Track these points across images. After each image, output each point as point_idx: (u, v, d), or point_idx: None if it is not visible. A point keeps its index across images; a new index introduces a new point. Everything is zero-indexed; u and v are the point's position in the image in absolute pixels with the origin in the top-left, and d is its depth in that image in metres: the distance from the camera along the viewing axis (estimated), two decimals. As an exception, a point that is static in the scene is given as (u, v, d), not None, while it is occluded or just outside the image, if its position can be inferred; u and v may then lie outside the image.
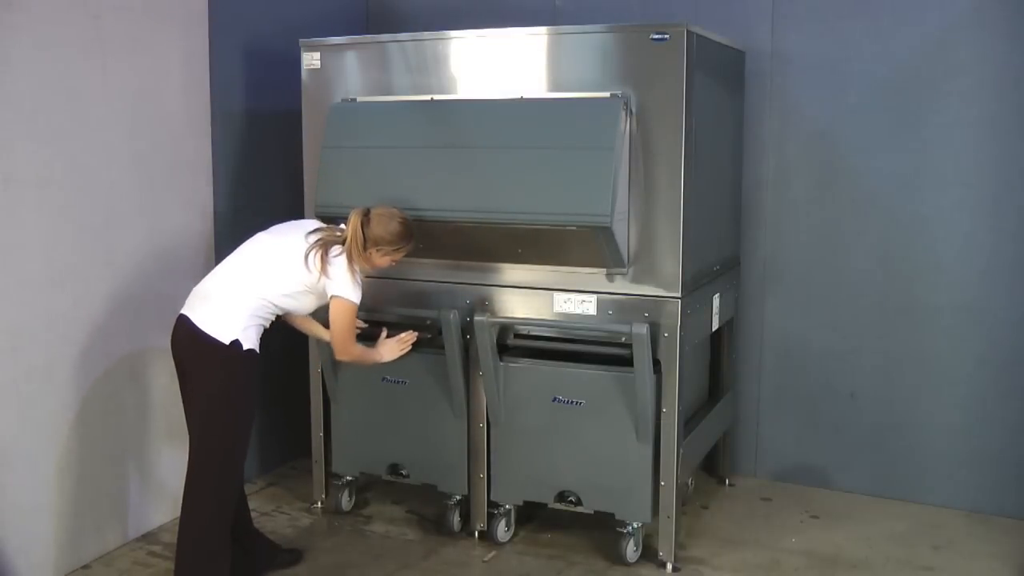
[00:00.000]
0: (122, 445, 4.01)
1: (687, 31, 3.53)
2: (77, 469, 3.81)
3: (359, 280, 3.50)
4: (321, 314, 3.66)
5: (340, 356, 3.63)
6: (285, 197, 4.62)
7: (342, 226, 3.56)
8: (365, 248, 3.48)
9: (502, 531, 4.07)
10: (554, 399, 3.86)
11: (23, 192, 3.51)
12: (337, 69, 4.14)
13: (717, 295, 4.22)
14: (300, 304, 3.51)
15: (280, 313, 3.51)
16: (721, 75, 4.18)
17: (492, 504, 4.07)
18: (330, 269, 3.43)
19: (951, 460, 4.45)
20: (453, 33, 3.94)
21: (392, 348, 3.84)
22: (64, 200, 3.68)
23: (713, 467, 4.79)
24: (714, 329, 4.27)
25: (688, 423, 4.02)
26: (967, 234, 4.32)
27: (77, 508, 3.81)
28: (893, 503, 4.51)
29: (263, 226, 4.70)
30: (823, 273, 4.60)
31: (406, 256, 3.66)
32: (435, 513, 4.30)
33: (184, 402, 3.45)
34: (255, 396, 3.44)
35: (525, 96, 3.78)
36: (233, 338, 3.28)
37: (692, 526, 4.25)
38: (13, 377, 3.53)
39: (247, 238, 4.62)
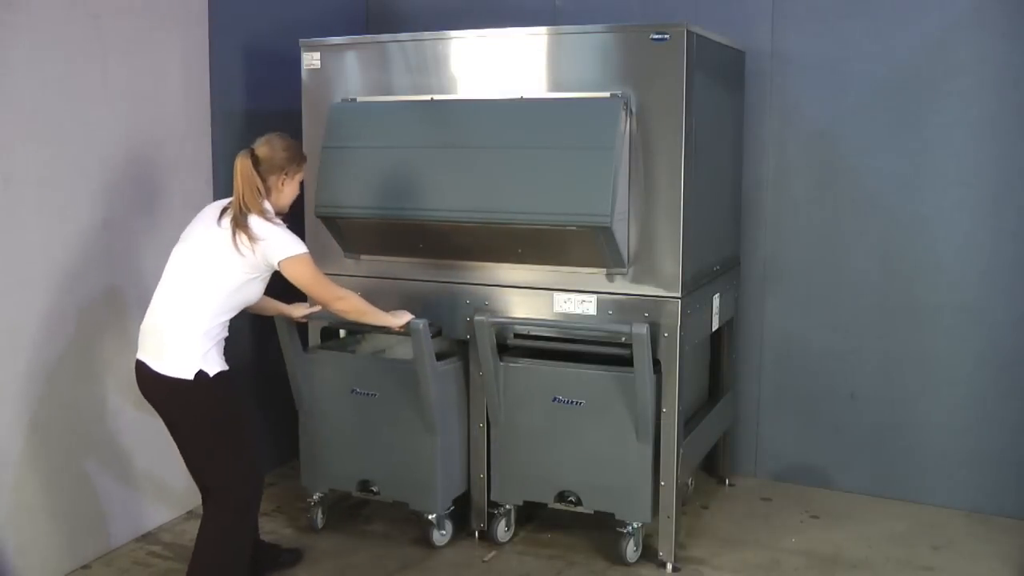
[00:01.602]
0: (122, 445, 4.01)
1: (687, 31, 3.53)
2: (77, 469, 3.81)
3: (291, 233, 3.29)
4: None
5: (336, 306, 3.46)
6: (285, 197, 4.62)
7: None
8: (265, 183, 3.28)
9: (502, 531, 4.07)
10: (554, 399, 3.86)
11: (23, 192, 3.51)
12: (337, 69, 4.14)
13: (717, 295, 4.22)
14: (250, 293, 3.28)
15: (234, 315, 3.30)
16: (721, 75, 4.18)
17: (492, 504, 4.07)
18: (259, 237, 3.18)
19: (951, 460, 4.45)
20: (453, 33, 3.94)
21: (401, 315, 3.70)
22: (64, 200, 3.68)
23: (713, 467, 4.79)
24: (714, 329, 4.27)
25: (688, 423, 4.02)
26: (967, 234, 4.32)
27: (77, 508, 3.81)
28: (893, 503, 4.51)
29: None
30: (823, 273, 4.60)
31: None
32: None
33: (177, 443, 3.32)
34: (245, 407, 3.34)
35: (525, 96, 3.78)
36: (196, 370, 3.12)
37: (692, 526, 4.25)
38: (13, 376, 3.53)
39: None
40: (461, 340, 4.03)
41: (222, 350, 3.24)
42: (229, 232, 3.18)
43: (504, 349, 3.96)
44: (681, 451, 3.81)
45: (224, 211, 3.26)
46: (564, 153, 3.62)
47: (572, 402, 3.83)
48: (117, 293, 3.93)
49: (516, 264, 3.90)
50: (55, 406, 3.69)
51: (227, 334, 3.28)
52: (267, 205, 3.28)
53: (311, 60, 4.17)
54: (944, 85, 4.28)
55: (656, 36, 3.56)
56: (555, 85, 3.77)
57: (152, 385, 3.19)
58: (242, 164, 3.27)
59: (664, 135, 3.61)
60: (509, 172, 3.71)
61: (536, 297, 3.89)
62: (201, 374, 3.12)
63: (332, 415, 4.06)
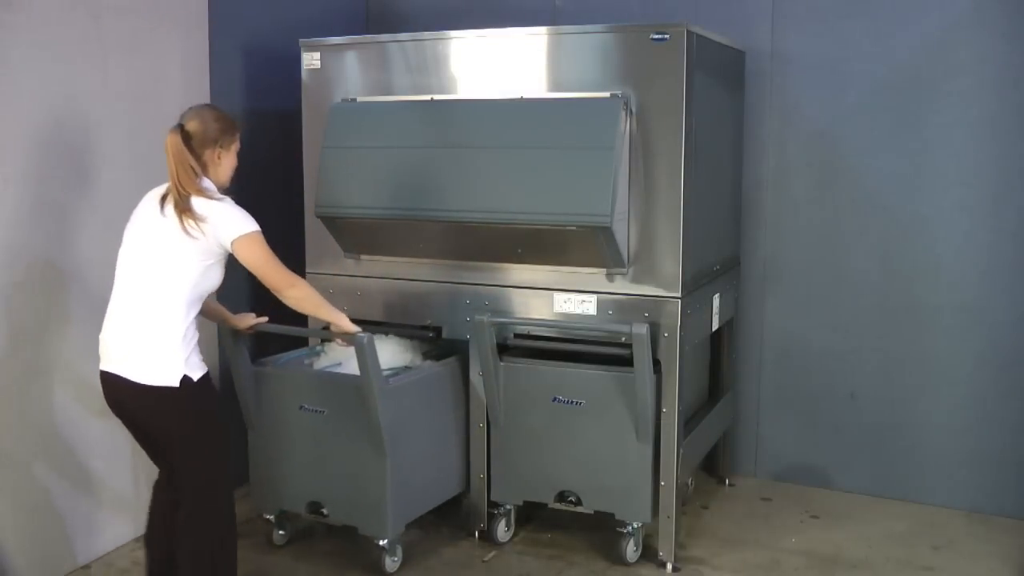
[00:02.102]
0: (123, 445, 4.00)
1: (687, 31, 3.53)
2: (77, 469, 3.81)
3: (239, 208, 3.10)
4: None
5: (288, 293, 3.20)
6: (285, 197, 4.61)
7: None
8: (201, 158, 3.06)
9: (502, 531, 4.07)
10: (554, 399, 3.86)
11: (23, 192, 3.51)
12: (337, 69, 4.14)
13: (717, 295, 4.22)
14: (212, 280, 3.08)
15: (199, 308, 3.10)
16: (721, 75, 4.18)
17: (492, 504, 4.06)
18: (206, 217, 2.98)
19: (951, 460, 4.45)
20: (453, 33, 3.94)
21: (352, 325, 3.48)
22: (65, 200, 3.68)
23: (713, 467, 4.79)
24: (714, 329, 4.27)
25: (688, 423, 4.02)
26: (967, 234, 4.32)
27: (77, 508, 3.81)
28: (893, 503, 4.51)
29: (263, 226, 4.71)
30: (823, 273, 4.60)
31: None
32: (434, 514, 4.30)
33: (150, 452, 3.19)
34: (222, 415, 3.20)
35: (525, 96, 3.78)
36: (180, 376, 2.97)
37: (692, 526, 4.25)
38: (14, 377, 3.53)
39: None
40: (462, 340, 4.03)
41: (199, 351, 3.09)
42: (175, 219, 2.96)
43: (504, 349, 3.96)
44: (681, 451, 3.81)
45: (164, 198, 3.02)
46: (564, 153, 3.62)
47: (572, 402, 3.83)
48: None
49: (516, 264, 3.90)
50: (55, 406, 3.69)
51: (199, 335, 3.11)
52: (207, 183, 3.07)
53: (311, 60, 4.17)
54: (944, 85, 4.28)
55: (656, 36, 3.56)
56: (555, 85, 3.77)
57: (133, 397, 2.99)
58: (172, 142, 3.03)
59: (664, 135, 3.61)
60: (509, 172, 3.71)
61: (536, 297, 3.89)
62: (186, 380, 2.98)
63: (280, 432, 3.83)
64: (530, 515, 4.26)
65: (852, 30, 4.41)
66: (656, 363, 3.69)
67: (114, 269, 3.90)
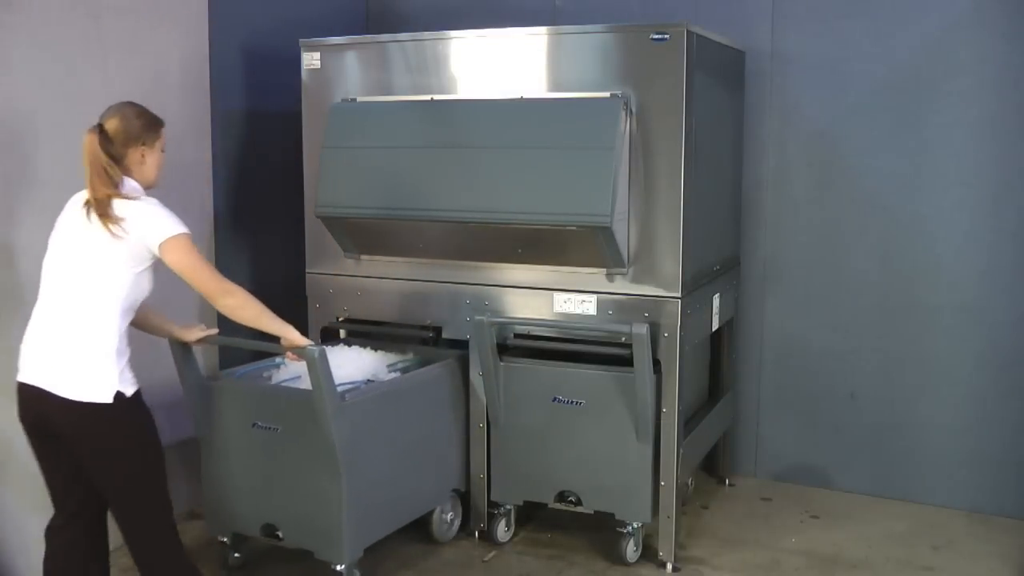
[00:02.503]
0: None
1: (687, 31, 3.53)
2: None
3: (166, 209, 2.90)
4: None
5: (223, 302, 2.97)
6: (285, 197, 4.62)
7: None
8: (124, 159, 2.89)
9: (502, 531, 4.07)
10: (554, 399, 3.86)
11: (23, 192, 3.51)
12: (337, 69, 4.14)
13: (717, 295, 4.22)
14: (143, 287, 2.90)
15: (131, 319, 2.92)
16: (721, 75, 4.18)
17: (492, 504, 4.07)
18: (129, 220, 2.80)
19: (951, 460, 4.45)
20: (453, 33, 3.94)
21: (301, 338, 3.26)
22: (64, 200, 3.67)
23: (713, 467, 4.79)
24: (714, 329, 4.27)
25: (688, 423, 4.02)
26: (967, 234, 4.32)
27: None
28: (893, 503, 4.51)
29: (263, 226, 4.74)
30: (823, 273, 4.60)
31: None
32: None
33: (60, 482, 2.94)
34: (158, 434, 2.97)
35: (525, 96, 3.78)
36: (114, 392, 2.77)
37: (692, 526, 4.25)
38: (13, 377, 3.53)
39: (247, 238, 4.66)
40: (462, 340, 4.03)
41: (131, 366, 2.89)
42: (100, 224, 2.79)
43: (504, 349, 3.96)
44: (681, 451, 3.81)
45: (87, 202, 2.85)
46: (564, 153, 3.62)
47: (572, 402, 3.83)
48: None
49: (516, 264, 3.90)
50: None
51: (131, 347, 2.92)
52: (130, 184, 2.90)
53: (311, 60, 4.17)
54: (944, 85, 4.28)
55: (656, 36, 3.56)
56: (555, 85, 3.77)
57: (61, 413, 2.78)
58: (88, 143, 2.85)
59: (664, 135, 3.61)
60: (509, 172, 3.71)
61: (536, 297, 3.89)
62: (119, 396, 2.78)
63: (233, 451, 3.62)
64: (530, 515, 4.26)
65: (852, 30, 4.41)
66: (656, 363, 3.69)
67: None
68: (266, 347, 3.53)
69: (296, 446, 3.48)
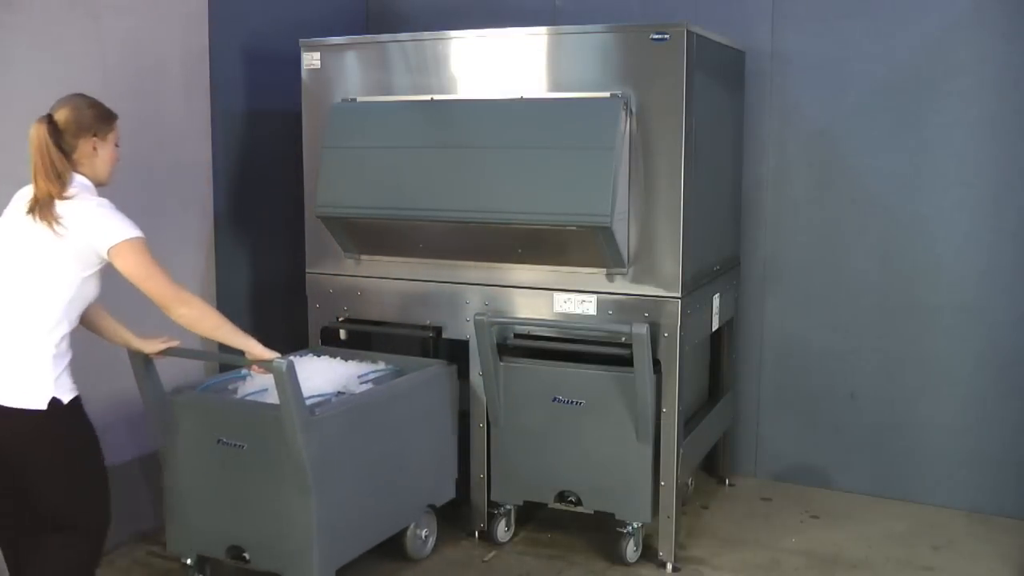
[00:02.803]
0: (124, 445, 4.00)
1: (687, 31, 3.53)
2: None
3: (118, 212, 2.75)
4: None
5: (177, 311, 2.82)
6: (285, 197, 4.62)
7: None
8: (74, 152, 2.75)
9: (502, 531, 4.07)
10: (554, 399, 3.86)
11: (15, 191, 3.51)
12: (337, 69, 4.14)
13: (717, 295, 4.22)
14: (85, 294, 2.77)
15: (75, 325, 2.79)
16: (721, 75, 4.18)
17: (492, 504, 4.06)
18: (80, 222, 2.66)
19: (951, 460, 4.45)
20: (453, 33, 3.94)
21: (265, 351, 3.09)
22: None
23: (713, 467, 4.79)
24: (714, 329, 4.27)
25: (688, 423, 4.02)
26: (967, 234, 4.32)
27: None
28: (893, 503, 4.51)
29: (263, 226, 4.73)
30: (823, 273, 4.60)
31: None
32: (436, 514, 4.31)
33: (23, 484, 2.72)
34: (99, 447, 2.84)
35: (525, 96, 3.78)
36: (49, 398, 2.63)
37: (692, 526, 4.25)
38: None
39: (247, 238, 4.66)
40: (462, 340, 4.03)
41: (70, 372, 2.76)
42: (46, 220, 2.65)
43: (504, 349, 3.96)
44: (681, 451, 3.81)
45: (33, 200, 2.71)
46: (564, 153, 3.62)
47: (572, 402, 3.83)
48: (117, 293, 3.91)
49: (516, 264, 3.90)
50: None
51: (72, 353, 2.79)
52: (81, 181, 2.77)
53: (311, 60, 4.17)
54: (944, 85, 4.28)
55: (656, 36, 3.56)
56: (555, 85, 3.77)
57: None
58: (36, 135, 2.70)
59: (664, 135, 3.61)
60: (509, 172, 3.71)
61: (536, 297, 3.88)
62: (55, 403, 2.64)
63: (197, 469, 3.46)
64: (530, 515, 4.26)
65: (852, 30, 4.41)
66: (656, 363, 3.69)
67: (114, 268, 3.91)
68: (230, 360, 3.38)
69: (263, 464, 3.31)
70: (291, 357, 3.62)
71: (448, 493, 4.06)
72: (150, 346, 3.24)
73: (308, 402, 3.28)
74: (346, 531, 3.45)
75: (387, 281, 4.14)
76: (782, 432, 4.78)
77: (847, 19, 4.42)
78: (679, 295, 3.68)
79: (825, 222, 4.58)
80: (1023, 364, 4.28)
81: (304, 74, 4.20)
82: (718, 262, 4.25)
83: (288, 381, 3.07)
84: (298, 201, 4.30)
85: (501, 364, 3.91)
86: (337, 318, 4.25)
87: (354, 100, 4.09)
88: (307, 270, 4.29)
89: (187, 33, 4.19)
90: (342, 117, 4.04)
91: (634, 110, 3.63)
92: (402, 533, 3.81)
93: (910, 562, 3.94)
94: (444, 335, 4.06)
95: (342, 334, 4.29)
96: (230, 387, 3.66)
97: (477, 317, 3.84)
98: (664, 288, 3.69)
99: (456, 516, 4.18)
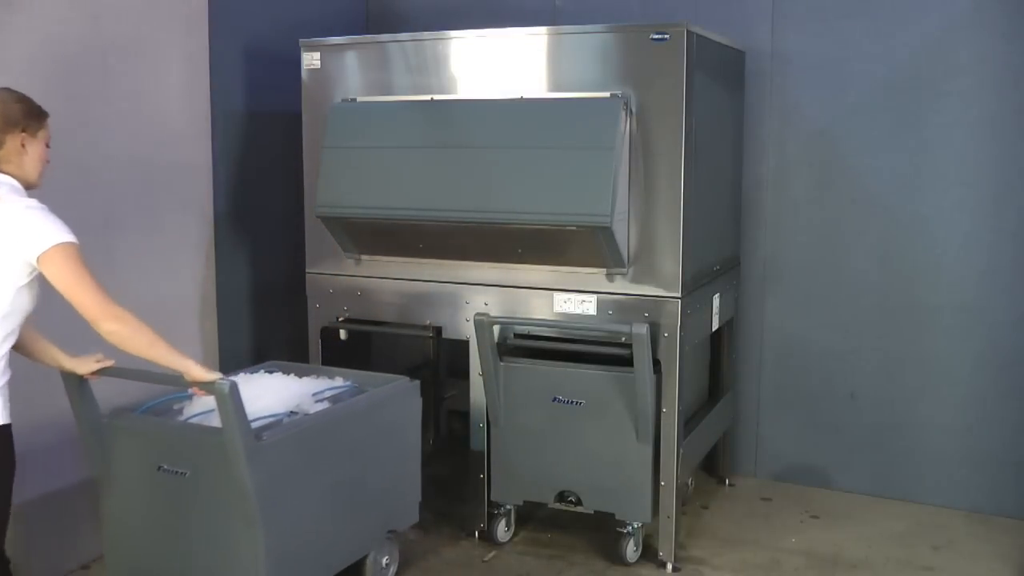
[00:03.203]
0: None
1: (687, 31, 3.54)
2: (78, 468, 3.79)
3: (51, 215, 2.59)
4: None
5: (106, 327, 2.60)
6: (285, 197, 4.62)
7: None
8: (2, 146, 2.61)
9: (502, 531, 4.07)
10: (554, 399, 3.86)
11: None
12: (337, 69, 4.14)
13: (717, 295, 4.22)
14: (20, 307, 2.60)
15: (14, 341, 2.63)
16: (721, 75, 4.18)
17: (492, 504, 4.06)
18: (9, 225, 2.51)
19: (951, 460, 4.45)
20: (453, 33, 3.94)
21: (209, 372, 2.87)
22: (64, 200, 3.67)
23: (713, 467, 4.79)
24: (714, 329, 4.27)
25: (688, 423, 4.02)
26: (967, 234, 4.32)
27: (77, 508, 3.81)
28: (893, 503, 4.51)
29: (263, 226, 4.74)
30: (823, 273, 4.60)
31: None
32: (434, 514, 4.31)
33: None
34: (12, 481, 2.70)
35: (525, 96, 3.78)
36: None
37: (692, 526, 4.25)
38: (14, 377, 3.52)
39: (247, 238, 4.66)
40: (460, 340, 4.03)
41: (7, 396, 2.61)
42: None
43: (504, 349, 3.96)
44: (681, 451, 3.81)
45: None
46: (564, 153, 3.62)
47: (572, 402, 3.83)
48: (117, 293, 3.91)
49: (516, 264, 3.90)
50: (55, 407, 3.68)
51: (9, 375, 2.63)
52: (7, 180, 2.64)
53: (311, 60, 4.17)
54: (944, 85, 4.28)
55: (656, 36, 3.57)
56: (555, 85, 3.77)
57: None
58: None
59: (664, 135, 3.61)
60: (509, 172, 3.71)
61: (536, 297, 3.89)
62: None
63: (137, 497, 3.21)
64: (530, 515, 4.26)
65: (852, 30, 4.41)
66: (656, 363, 3.69)
67: (114, 268, 3.91)
68: (169, 381, 3.02)
69: (207, 492, 3.06)
70: (242, 374, 3.58)
71: (411, 517, 3.78)
72: (83, 366, 2.98)
73: (256, 424, 3.06)
74: (298, 563, 3.19)
75: (387, 281, 4.14)
76: (782, 432, 4.78)
77: (847, 19, 4.42)
78: (679, 295, 3.68)
79: (825, 222, 4.58)
80: (1023, 364, 4.28)
81: (304, 74, 4.20)
82: (718, 262, 4.25)
83: (231, 404, 2.83)
84: (298, 201, 4.31)
85: (501, 364, 3.91)
86: (337, 318, 4.25)
87: (354, 100, 4.09)
88: (307, 270, 4.29)
89: (187, 33, 4.19)
90: (342, 117, 4.04)
91: (634, 110, 3.63)
92: (361, 562, 3.55)
93: (910, 562, 3.94)
94: (444, 335, 4.07)
95: (342, 334, 4.30)
96: (175, 407, 3.36)
97: (477, 317, 3.84)
98: (664, 288, 3.69)
99: (456, 516, 4.18)
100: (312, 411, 3.36)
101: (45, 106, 3.44)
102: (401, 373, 5.02)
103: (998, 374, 4.32)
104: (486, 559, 3.96)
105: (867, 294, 4.53)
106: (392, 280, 4.13)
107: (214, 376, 2.84)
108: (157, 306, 4.04)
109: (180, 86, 4.17)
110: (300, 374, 3.71)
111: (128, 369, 3.02)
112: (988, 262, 4.29)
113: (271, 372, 3.74)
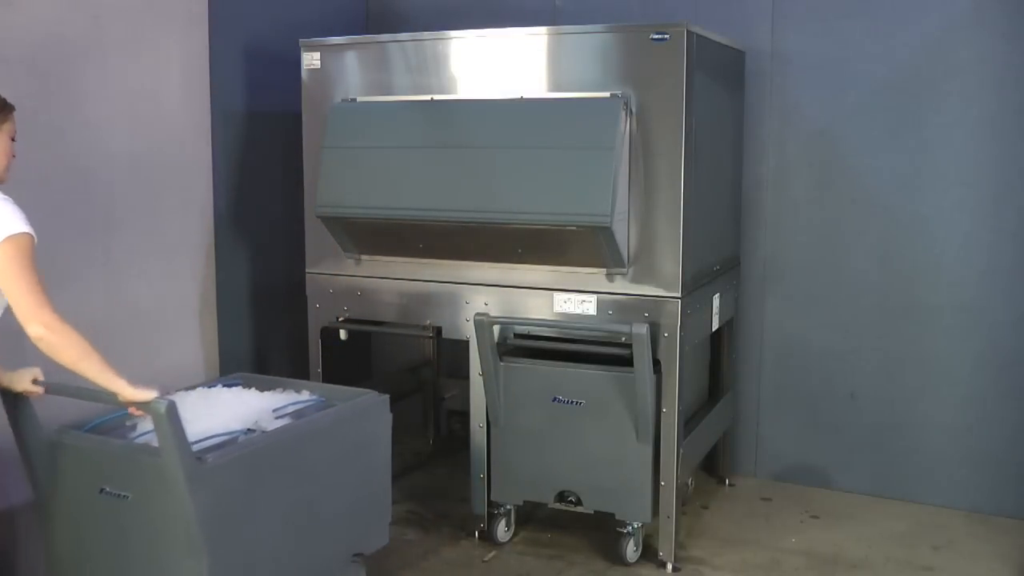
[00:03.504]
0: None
1: (687, 31, 3.54)
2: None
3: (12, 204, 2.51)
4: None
5: (35, 330, 2.48)
6: (285, 197, 4.62)
7: None
8: None
9: (502, 531, 4.07)
10: (554, 399, 3.86)
11: (23, 192, 3.51)
12: (337, 69, 4.14)
13: (717, 295, 4.22)
14: None
15: None
16: (721, 75, 4.18)
17: (492, 504, 4.06)
18: None
19: (951, 460, 4.45)
20: (453, 33, 3.94)
21: (143, 392, 2.65)
22: (64, 200, 3.68)
23: (713, 467, 4.79)
24: (714, 329, 4.27)
25: (688, 423, 4.02)
26: (967, 234, 4.32)
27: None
28: (893, 503, 4.51)
29: (263, 226, 4.74)
30: (823, 273, 4.60)
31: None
32: (434, 514, 4.31)
33: None
34: None
35: (525, 96, 3.78)
36: None
37: (692, 526, 4.25)
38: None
39: (247, 238, 4.66)
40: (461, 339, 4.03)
41: None
42: None
43: (504, 349, 3.96)
44: (681, 451, 3.81)
45: None
46: (564, 153, 3.62)
47: (572, 402, 3.83)
48: (117, 293, 3.92)
49: (516, 264, 3.90)
50: (54, 408, 3.67)
51: None
52: None
53: (311, 60, 4.17)
54: (944, 85, 4.28)
55: (656, 36, 3.57)
56: (555, 85, 3.77)
57: None
58: None
59: (664, 135, 3.61)
60: (509, 172, 3.71)
61: (536, 297, 3.89)
62: None
63: (79, 521, 2.99)
64: (530, 515, 4.26)
65: (852, 30, 4.41)
66: (656, 363, 3.69)
67: (114, 268, 3.91)
68: (105, 399, 2.76)
69: (149, 518, 2.82)
70: (200, 388, 3.37)
71: (380, 539, 3.52)
72: (20, 381, 2.80)
73: (209, 443, 2.88)
74: None
75: (387, 281, 4.14)
76: (782, 432, 4.78)
77: (847, 19, 4.42)
78: (679, 295, 3.68)
79: (825, 222, 4.58)
80: (1023, 364, 4.28)
81: (304, 74, 4.20)
82: (718, 262, 4.25)
83: (167, 424, 2.61)
84: (298, 201, 4.30)
85: (501, 364, 3.91)
86: (337, 318, 4.25)
87: (354, 100, 4.09)
88: (307, 270, 4.29)
89: (187, 33, 4.19)
90: (342, 117, 4.04)
91: (634, 110, 3.63)
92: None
93: (910, 562, 3.94)
94: (444, 335, 4.07)
95: (342, 334, 4.30)
96: (127, 423, 3.08)
97: (477, 317, 3.84)
98: (664, 288, 3.69)
99: (456, 516, 4.18)
100: (271, 428, 3.13)
101: (46, 106, 3.43)
102: (401, 373, 5.05)
103: (998, 374, 4.32)
104: (486, 559, 3.96)
105: (867, 294, 4.53)
106: (392, 280, 4.13)
107: (149, 395, 2.63)
108: (157, 306, 4.05)
109: (180, 86, 4.17)
110: (265, 388, 3.48)
111: (63, 385, 2.82)
112: (988, 262, 4.29)
113: (232, 386, 3.50)
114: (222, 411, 3.14)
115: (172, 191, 4.18)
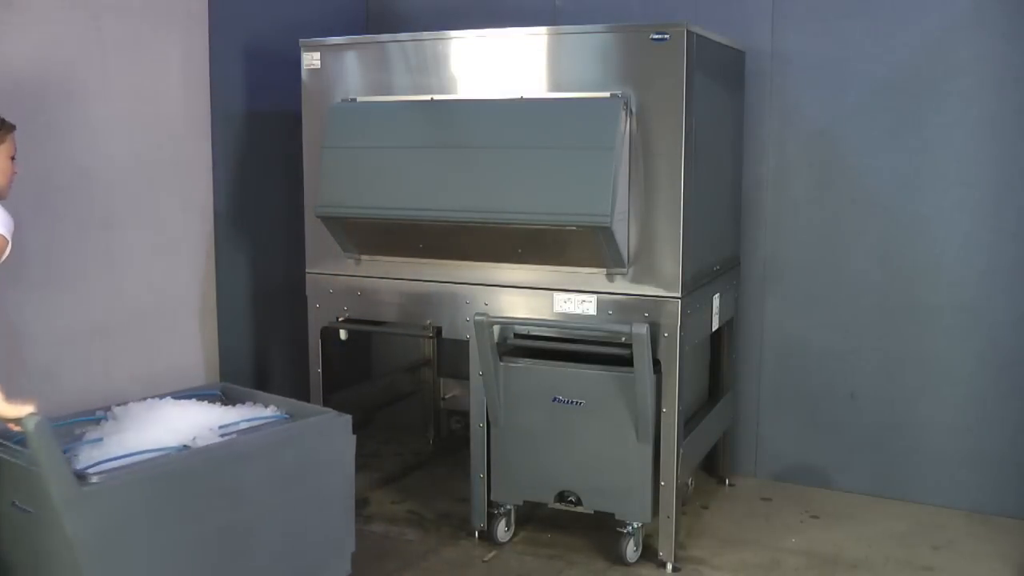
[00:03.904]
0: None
1: (687, 31, 3.54)
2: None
3: None
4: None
5: None
6: (285, 197, 4.62)
7: None
8: None
9: (502, 531, 4.07)
10: (554, 399, 3.86)
11: (23, 192, 3.51)
12: (337, 69, 4.14)
13: (717, 295, 4.22)
14: None
15: None
16: (721, 75, 4.18)
17: (492, 504, 4.06)
18: None
19: (951, 460, 4.45)
20: (453, 33, 3.94)
21: (16, 407, 2.52)
22: (64, 200, 3.68)
23: (713, 467, 4.79)
24: (714, 329, 4.27)
25: (688, 423, 4.02)
26: (967, 234, 4.32)
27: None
28: (893, 503, 4.51)
29: (263, 226, 4.74)
30: (823, 273, 4.60)
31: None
32: (434, 514, 4.31)
33: None
34: None
35: (525, 96, 3.78)
36: None
37: (692, 526, 4.25)
38: (14, 377, 3.53)
39: (247, 238, 4.67)
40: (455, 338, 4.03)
41: None
42: None
43: (504, 349, 3.96)
44: (681, 451, 3.81)
45: None
46: (564, 153, 3.62)
47: (572, 402, 3.83)
48: (117, 293, 3.92)
49: (516, 264, 3.90)
50: (53, 408, 3.68)
51: None
52: None
53: (311, 60, 4.17)
54: (944, 85, 4.28)
55: (656, 36, 3.57)
56: (555, 85, 3.77)
57: None
58: None
59: (664, 135, 3.61)
60: (509, 172, 3.71)
61: (536, 297, 3.89)
62: None
63: (2, 533, 2.87)
64: (530, 515, 4.26)
65: (852, 30, 4.41)
66: (656, 363, 3.69)
67: (114, 269, 3.91)
68: None
69: (45, 536, 2.62)
70: (149, 400, 3.19)
71: (340, 570, 3.25)
72: None
73: (137, 458, 2.69)
74: None
75: (387, 281, 4.14)
76: (782, 432, 4.78)
77: (847, 19, 4.42)
78: (679, 295, 3.68)
79: (825, 222, 4.58)
80: (1023, 364, 4.28)
81: (304, 74, 4.20)
82: (718, 262, 4.25)
83: (39, 442, 2.43)
84: (298, 201, 4.31)
85: (501, 364, 3.91)
86: (337, 318, 4.25)
87: (354, 100, 4.09)
88: (307, 270, 4.29)
89: (187, 33, 4.19)
90: (342, 117, 4.04)
91: (634, 110, 3.63)
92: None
93: (910, 562, 3.94)
94: (444, 335, 4.07)
95: (342, 334, 4.30)
96: (77, 431, 2.98)
97: (477, 317, 3.84)
98: (664, 288, 3.69)
99: (456, 516, 4.18)
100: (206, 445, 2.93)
101: (46, 106, 3.44)
102: (401, 373, 5.05)
103: (998, 374, 4.32)
104: (486, 559, 3.96)
105: (867, 294, 4.53)
106: (392, 280, 4.13)
107: (22, 411, 2.49)
108: (157, 306, 4.05)
109: (180, 86, 4.17)
110: (235, 401, 3.30)
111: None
112: (988, 262, 4.29)
113: (208, 396, 3.35)
114: (155, 426, 2.96)
115: (172, 191, 4.18)
